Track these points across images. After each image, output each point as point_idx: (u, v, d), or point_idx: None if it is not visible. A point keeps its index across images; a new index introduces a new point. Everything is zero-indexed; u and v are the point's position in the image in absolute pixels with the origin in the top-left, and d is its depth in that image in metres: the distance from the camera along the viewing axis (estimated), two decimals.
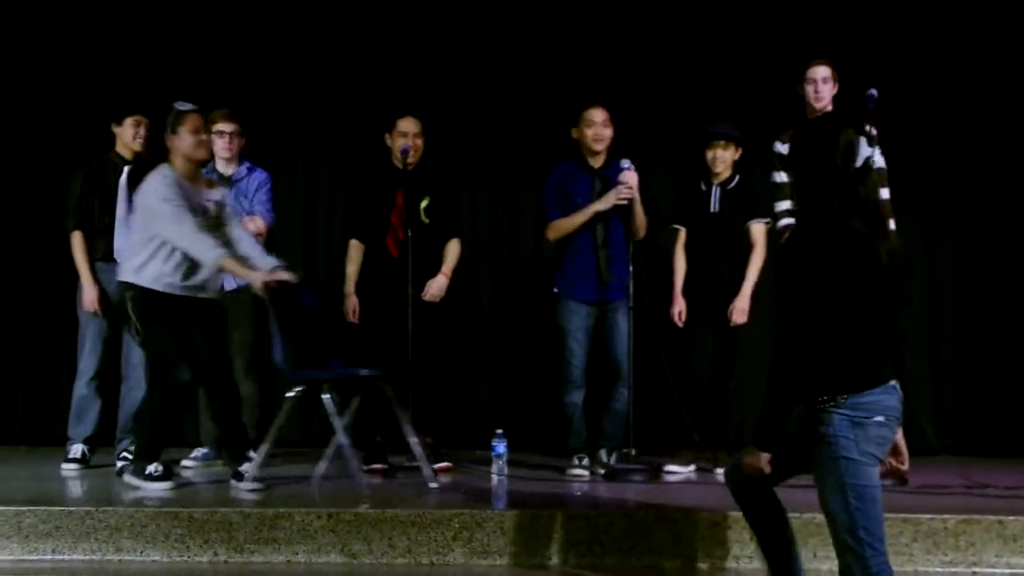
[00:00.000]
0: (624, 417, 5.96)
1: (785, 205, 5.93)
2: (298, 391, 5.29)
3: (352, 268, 6.21)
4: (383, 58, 7.77)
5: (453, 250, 6.19)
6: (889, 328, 3.37)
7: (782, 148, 5.88)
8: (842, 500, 3.30)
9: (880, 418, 3.27)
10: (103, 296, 6.21)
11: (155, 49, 7.77)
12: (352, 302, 6.16)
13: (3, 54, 7.82)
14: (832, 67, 5.80)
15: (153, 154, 6.18)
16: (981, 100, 7.39)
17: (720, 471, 5.78)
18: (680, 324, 6.03)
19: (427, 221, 6.10)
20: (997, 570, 4.26)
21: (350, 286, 6.19)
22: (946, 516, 4.38)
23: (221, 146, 6.24)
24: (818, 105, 5.75)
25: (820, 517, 4.27)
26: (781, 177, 5.94)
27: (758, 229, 6.02)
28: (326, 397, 5.18)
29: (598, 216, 5.95)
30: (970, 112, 7.40)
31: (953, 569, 4.27)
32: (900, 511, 4.50)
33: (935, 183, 7.30)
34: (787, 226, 5.91)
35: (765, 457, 3.40)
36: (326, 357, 5.63)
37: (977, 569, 4.27)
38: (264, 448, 5.31)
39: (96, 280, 6.22)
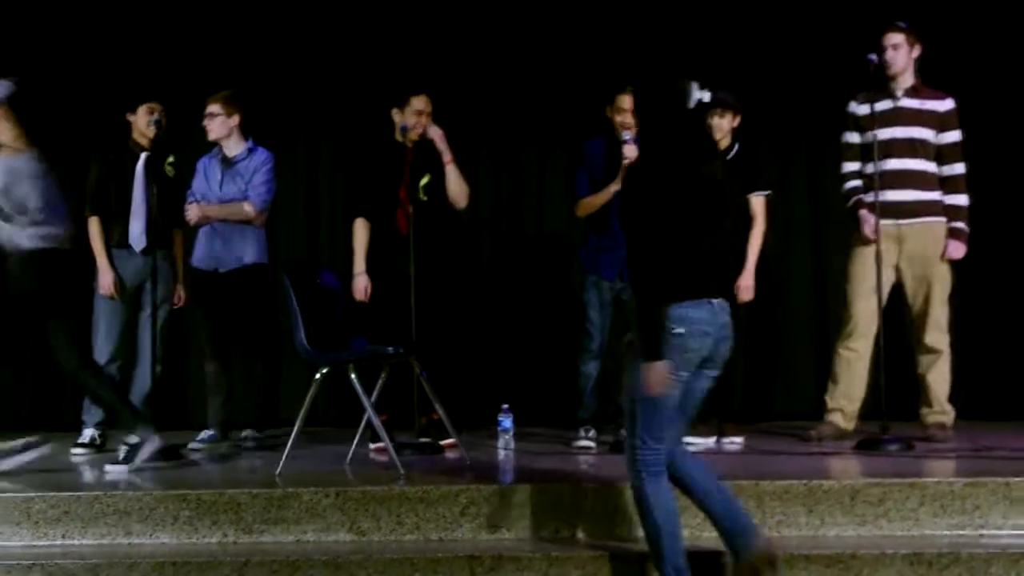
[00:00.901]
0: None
1: (853, 166, 5.90)
2: (324, 372, 5.25)
3: (360, 247, 6.13)
4: (386, 40, 7.75)
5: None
6: (711, 249, 3.72)
7: (857, 108, 5.85)
8: (628, 395, 3.73)
9: (681, 330, 3.63)
10: (119, 279, 6.21)
11: (164, 36, 7.78)
12: (363, 281, 6.10)
13: (21, 47, 7.81)
14: (906, 32, 5.76)
15: (168, 140, 6.21)
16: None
17: (726, 440, 5.79)
18: None
19: (425, 199, 6.04)
20: (1003, 531, 4.23)
21: (360, 265, 6.11)
22: (952, 479, 4.35)
23: (206, 126, 6.27)
24: (891, 71, 5.75)
25: (827, 483, 4.31)
26: (853, 137, 5.91)
27: (758, 202, 5.93)
28: (353, 377, 5.15)
29: None
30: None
31: (960, 532, 4.24)
32: (906, 475, 4.48)
33: None
34: (854, 188, 5.87)
35: (659, 366, 3.59)
36: (347, 336, 5.60)
37: (984, 531, 4.24)
38: (295, 431, 5.27)
39: (112, 266, 6.21)
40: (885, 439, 5.39)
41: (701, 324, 3.68)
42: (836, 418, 5.83)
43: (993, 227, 7.28)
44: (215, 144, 6.35)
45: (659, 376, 3.59)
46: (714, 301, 3.73)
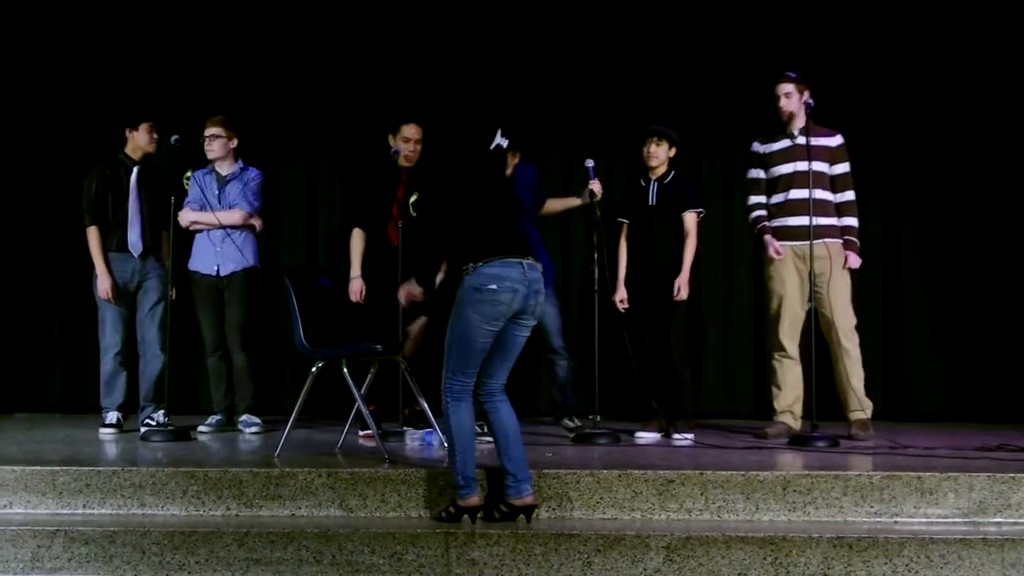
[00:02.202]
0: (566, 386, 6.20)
1: (758, 199, 6.00)
2: (320, 366, 5.27)
3: (356, 254, 6.18)
4: (383, 63, 7.75)
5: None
6: (510, 221, 4.25)
7: (759, 148, 5.96)
8: (448, 335, 4.15)
9: (493, 286, 4.05)
10: (115, 284, 6.22)
11: (164, 56, 7.77)
12: (358, 284, 6.14)
13: (22, 69, 7.80)
14: (795, 81, 5.87)
15: (161, 156, 6.24)
16: (950, 98, 7.50)
17: (677, 436, 5.83)
18: (622, 310, 6.06)
19: (414, 214, 6.08)
20: (915, 519, 4.28)
21: (356, 270, 6.16)
22: (872, 473, 4.40)
23: (206, 148, 6.29)
24: (785, 112, 5.89)
25: (763, 475, 4.36)
26: (757, 173, 6.01)
27: (690, 218, 6.07)
28: (345, 371, 5.17)
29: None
30: (941, 108, 7.49)
31: (878, 519, 4.28)
32: (832, 469, 4.53)
33: (913, 172, 7.39)
34: (758, 217, 5.98)
35: (418, 288, 4.37)
36: (340, 335, 5.62)
37: (898, 519, 4.29)
38: (292, 417, 5.30)
39: (109, 270, 6.21)
40: (814, 436, 5.45)
41: (507, 281, 4.06)
42: (787, 419, 5.90)
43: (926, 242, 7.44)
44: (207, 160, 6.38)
45: (413, 293, 4.40)
46: (524, 262, 4.12)
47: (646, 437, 5.85)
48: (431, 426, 5.66)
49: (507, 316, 4.12)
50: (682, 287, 5.97)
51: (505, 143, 4.34)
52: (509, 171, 4.42)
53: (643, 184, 6.12)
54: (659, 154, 6.05)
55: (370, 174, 6.34)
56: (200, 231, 6.30)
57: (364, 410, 5.29)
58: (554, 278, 6.01)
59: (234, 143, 6.33)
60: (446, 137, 4.85)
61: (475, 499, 4.19)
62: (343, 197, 7.65)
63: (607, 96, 7.61)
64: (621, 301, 6.08)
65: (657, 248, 6.02)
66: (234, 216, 6.26)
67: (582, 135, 7.60)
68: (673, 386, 6.05)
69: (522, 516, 4.21)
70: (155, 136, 6.28)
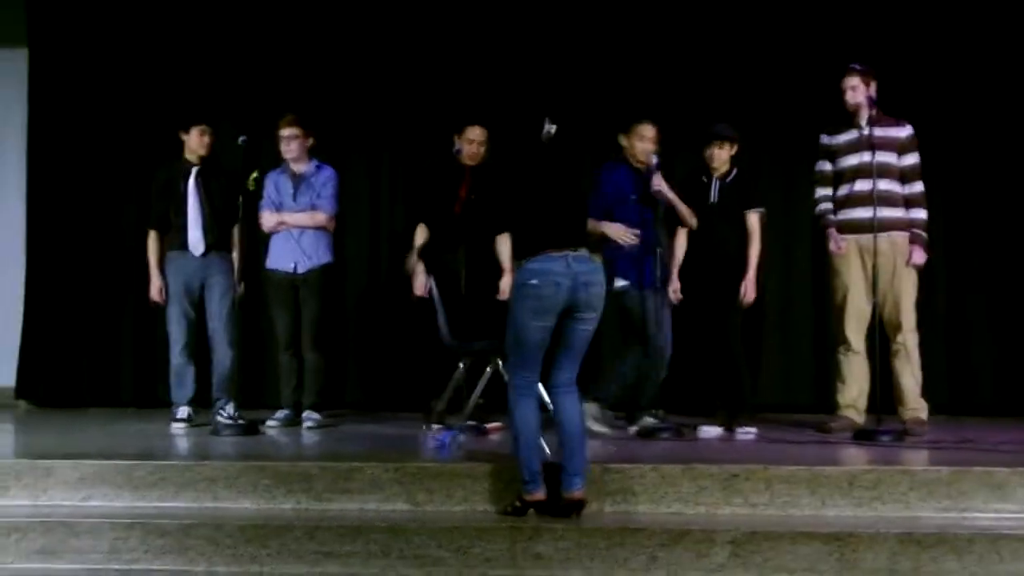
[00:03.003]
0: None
1: (825, 191, 5.91)
2: (467, 363, 5.59)
3: (419, 249, 6.23)
4: (445, 62, 7.77)
5: (504, 246, 6.04)
6: (553, 215, 4.18)
7: (827, 140, 5.88)
8: (507, 332, 4.18)
9: (535, 281, 4.05)
10: (172, 283, 6.33)
11: (229, 57, 7.86)
12: (422, 279, 6.16)
13: (87, 81, 7.95)
14: (860, 74, 5.77)
15: (230, 157, 6.31)
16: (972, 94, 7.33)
17: (740, 431, 5.77)
18: (675, 301, 6.00)
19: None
20: (984, 515, 4.20)
21: (420, 265, 6.20)
22: (939, 468, 4.33)
23: (283, 148, 6.33)
24: (851, 105, 5.80)
25: (828, 469, 4.30)
26: (825, 166, 5.94)
27: (753, 218, 5.93)
28: (501, 365, 5.29)
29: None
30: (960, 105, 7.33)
31: (946, 514, 4.21)
32: (898, 463, 4.47)
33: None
34: (824, 210, 5.90)
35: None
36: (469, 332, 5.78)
37: (967, 514, 4.21)
38: (467, 409, 5.58)
39: (163, 272, 6.36)
40: (879, 431, 5.36)
41: (550, 275, 4.05)
42: (851, 413, 5.82)
43: (976, 233, 7.31)
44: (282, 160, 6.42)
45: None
46: (570, 254, 4.08)
47: (709, 432, 5.80)
48: (492, 420, 5.67)
49: (555, 311, 4.09)
50: (748, 290, 5.87)
51: (553, 129, 4.29)
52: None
53: (704, 181, 6.04)
54: (722, 156, 5.96)
55: (434, 172, 6.37)
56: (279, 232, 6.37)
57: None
58: (654, 276, 5.79)
59: (310, 142, 6.38)
60: (508, 136, 4.83)
61: (540, 494, 4.18)
62: (406, 195, 7.67)
63: (670, 92, 7.53)
64: (675, 291, 6.00)
65: (718, 246, 5.93)
66: (317, 218, 6.31)
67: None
68: (733, 381, 5.98)
69: (575, 512, 4.17)
70: (208, 139, 6.32)
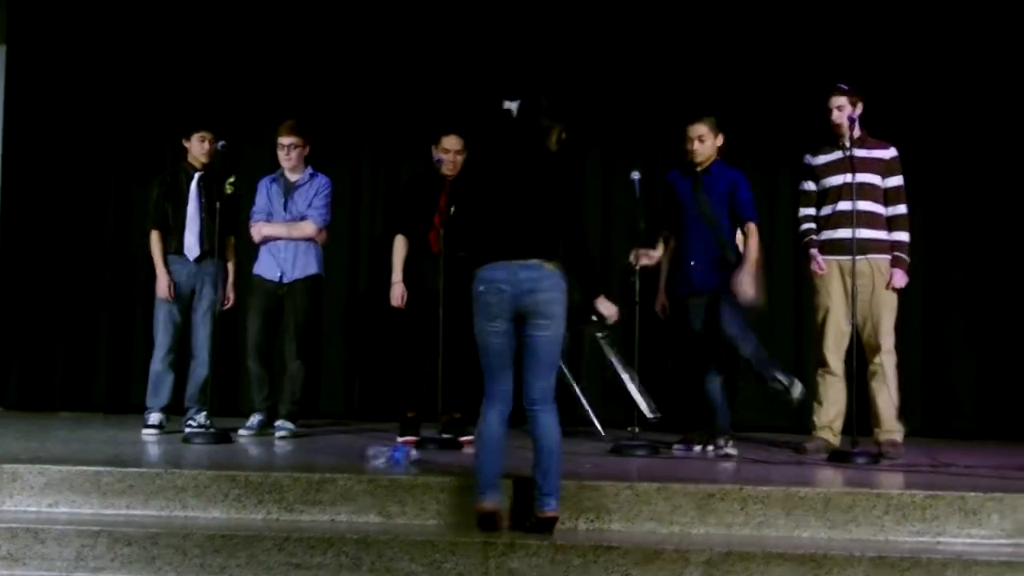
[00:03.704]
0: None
1: (809, 211, 5.93)
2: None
3: (399, 260, 6.20)
4: (426, 70, 7.77)
5: None
6: (502, 225, 4.14)
7: (811, 160, 5.89)
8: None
9: (482, 287, 4.12)
10: (172, 283, 6.27)
11: (216, 65, 7.84)
12: (399, 289, 6.15)
13: (65, 79, 7.91)
14: (848, 94, 5.79)
15: (218, 163, 6.28)
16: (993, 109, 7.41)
17: (710, 448, 5.75)
18: (662, 318, 5.99)
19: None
20: (958, 539, 4.20)
21: (398, 275, 6.18)
22: (914, 491, 4.33)
23: (282, 156, 6.28)
24: (837, 125, 5.78)
25: (803, 491, 4.30)
26: (809, 185, 5.94)
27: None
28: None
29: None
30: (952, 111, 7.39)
31: (920, 539, 4.21)
32: (873, 487, 4.47)
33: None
34: (807, 230, 5.91)
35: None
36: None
37: (941, 539, 4.21)
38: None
39: (168, 271, 6.25)
40: (855, 452, 5.37)
41: (495, 283, 4.08)
42: (826, 434, 5.82)
43: (953, 256, 7.34)
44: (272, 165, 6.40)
45: None
46: (517, 263, 4.08)
47: (682, 450, 5.79)
48: (467, 434, 5.64)
49: (502, 316, 4.10)
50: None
51: (514, 106, 4.21)
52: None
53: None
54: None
55: (413, 183, 6.37)
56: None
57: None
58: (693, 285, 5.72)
59: (307, 150, 6.36)
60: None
61: (486, 504, 4.13)
62: (386, 204, 7.66)
63: (651, 109, 7.56)
64: (663, 309, 6.00)
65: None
66: (305, 230, 6.28)
67: (624, 146, 7.56)
68: (711, 399, 5.97)
69: (546, 530, 4.13)
70: (208, 146, 6.31)
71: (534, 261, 4.10)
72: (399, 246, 6.21)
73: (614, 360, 5.37)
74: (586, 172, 7.70)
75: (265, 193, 6.35)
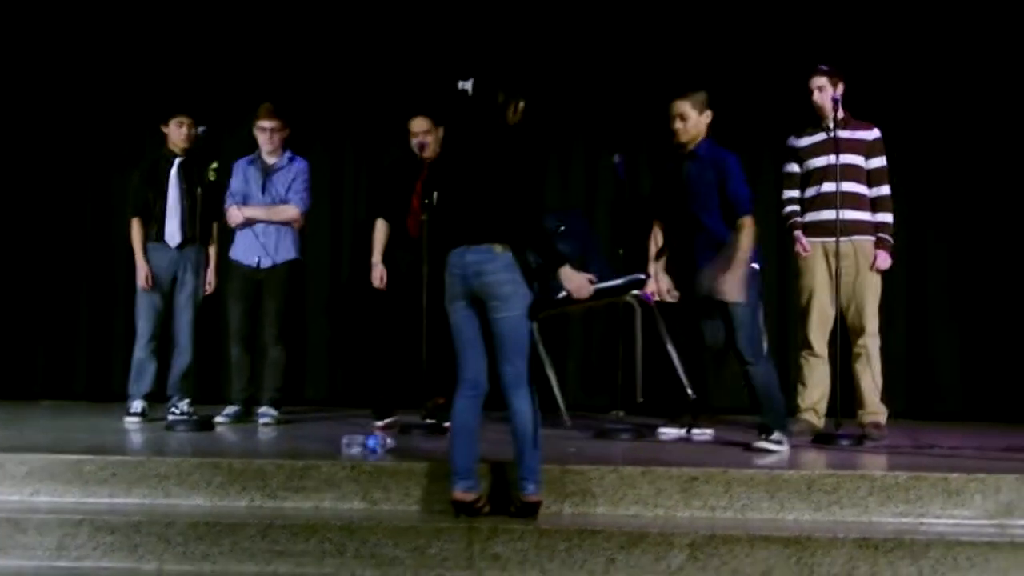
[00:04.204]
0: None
1: (792, 193, 5.93)
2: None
3: (379, 242, 6.27)
4: (410, 54, 7.72)
5: None
6: (457, 210, 4.18)
7: (794, 141, 5.89)
8: None
9: (447, 271, 4.17)
10: (151, 273, 6.24)
11: (195, 50, 7.79)
12: (379, 270, 6.19)
13: (70, 73, 7.85)
14: (827, 74, 5.78)
15: (198, 148, 6.24)
16: (982, 94, 7.40)
17: (696, 431, 5.77)
18: (670, 299, 5.86)
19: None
20: (941, 520, 4.23)
21: (377, 256, 6.24)
22: (897, 473, 4.35)
23: (263, 140, 6.24)
24: (819, 106, 5.77)
25: (787, 473, 4.32)
26: (792, 167, 5.94)
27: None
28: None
29: None
30: (959, 111, 7.40)
31: (903, 520, 4.23)
32: (857, 468, 4.50)
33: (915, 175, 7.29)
34: (791, 212, 5.91)
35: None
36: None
37: (924, 520, 4.24)
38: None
39: (147, 259, 6.23)
40: (839, 435, 5.40)
41: (451, 266, 4.15)
42: (810, 416, 5.83)
43: (941, 241, 7.36)
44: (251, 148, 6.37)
45: None
46: (467, 247, 4.10)
47: (669, 433, 5.80)
48: None
49: (459, 299, 4.13)
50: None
51: (469, 85, 4.20)
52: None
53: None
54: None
55: (393, 168, 6.38)
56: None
57: None
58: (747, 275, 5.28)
59: (286, 132, 6.33)
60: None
61: (458, 493, 4.12)
62: (368, 190, 7.63)
63: (634, 92, 7.54)
64: (669, 291, 5.70)
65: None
66: (287, 213, 6.27)
67: (607, 130, 7.54)
68: (696, 381, 5.98)
69: (529, 515, 4.13)
70: (187, 131, 6.26)
71: (483, 245, 4.09)
72: (380, 229, 6.26)
73: (542, 352, 5.26)
74: (571, 156, 7.70)
75: (242, 175, 6.31)
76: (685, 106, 5.37)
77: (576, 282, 4.26)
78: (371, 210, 6.52)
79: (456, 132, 4.32)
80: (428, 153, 6.10)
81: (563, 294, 4.45)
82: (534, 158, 4.21)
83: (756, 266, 5.31)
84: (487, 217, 4.11)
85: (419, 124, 6.15)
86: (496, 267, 4.07)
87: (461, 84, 4.19)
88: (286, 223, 6.27)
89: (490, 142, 4.19)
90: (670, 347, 5.30)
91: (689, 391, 5.68)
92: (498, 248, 4.08)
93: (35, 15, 7.91)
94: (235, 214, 6.23)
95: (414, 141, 6.13)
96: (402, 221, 6.15)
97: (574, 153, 7.71)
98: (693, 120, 5.36)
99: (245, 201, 6.26)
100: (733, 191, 5.25)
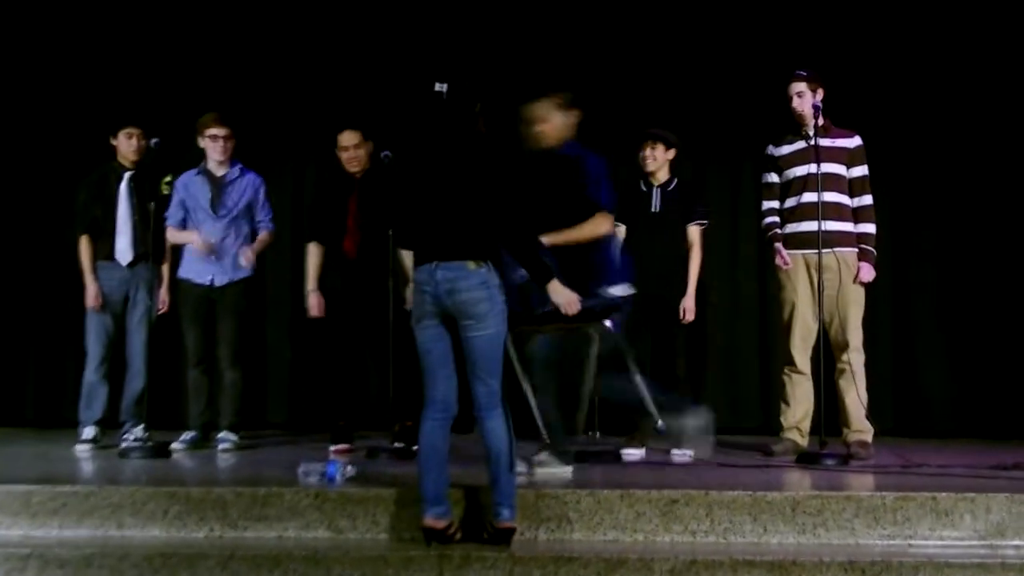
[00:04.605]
0: None
1: (772, 204, 5.96)
2: None
3: (313, 267, 6.21)
4: (373, 72, 7.73)
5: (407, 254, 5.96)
6: (424, 225, 4.13)
7: (773, 150, 5.93)
8: None
9: (413, 289, 4.15)
10: (101, 292, 6.20)
11: (152, 62, 7.76)
12: (315, 298, 6.15)
13: (11, 83, 7.79)
14: (807, 80, 5.83)
15: (150, 161, 6.20)
16: (965, 100, 7.50)
17: (676, 452, 5.79)
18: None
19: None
20: (930, 542, 4.24)
21: (312, 284, 6.19)
22: (884, 493, 4.36)
23: (214, 149, 6.17)
24: (798, 112, 5.84)
25: (771, 495, 4.32)
26: (772, 177, 5.98)
27: (694, 231, 6.03)
28: None
29: None
30: (955, 111, 7.49)
31: (891, 542, 4.24)
32: (842, 489, 4.50)
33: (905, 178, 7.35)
34: (771, 223, 5.95)
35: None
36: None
37: (912, 542, 4.25)
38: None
39: (97, 278, 6.18)
40: (823, 454, 5.42)
41: (419, 284, 4.10)
42: (794, 435, 5.86)
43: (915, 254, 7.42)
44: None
45: None
46: (437, 264, 4.05)
47: (632, 454, 5.81)
48: None
49: (428, 317, 4.09)
50: (688, 310, 5.95)
51: (445, 87, 4.17)
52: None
53: (644, 189, 6.08)
54: (656, 156, 6.02)
55: (321, 187, 6.35)
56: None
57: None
58: None
59: (233, 142, 6.28)
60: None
61: (429, 520, 4.09)
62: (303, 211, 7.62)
63: (611, 102, 7.58)
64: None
65: (660, 258, 5.96)
66: (268, 242, 6.35)
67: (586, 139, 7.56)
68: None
69: (502, 542, 4.10)
70: (137, 143, 6.23)
71: (455, 262, 4.06)
72: (312, 254, 6.21)
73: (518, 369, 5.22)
74: None
75: (184, 189, 6.20)
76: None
77: (565, 296, 4.34)
78: (306, 234, 6.42)
79: (426, 138, 4.23)
80: (356, 168, 6.08)
81: (547, 308, 4.45)
82: (513, 167, 4.19)
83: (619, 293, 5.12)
84: (461, 232, 4.09)
85: (347, 137, 6.12)
86: (470, 284, 4.04)
87: (437, 86, 4.16)
88: (237, 236, 6.23)
89: (466, 151, 4.16)
90: (637, 378, 5.30)
91: (659, 423, 5.64)
92: (471, 264, 4.06)
93: None
94: (201, 244, 6.11)
95: (343, 156, 6.11)
96: (337, 242, 6.10)
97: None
98: (553, 123, 5.17)
99: (183, 223, 6.19)
100: (592, 194, 5.08)
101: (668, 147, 6.04)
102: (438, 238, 4.11)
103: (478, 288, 4.05)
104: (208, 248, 6.09)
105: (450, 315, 4.09)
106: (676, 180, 6.09)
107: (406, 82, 7.50)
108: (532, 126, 5.13)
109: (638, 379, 5.07)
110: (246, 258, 6.15)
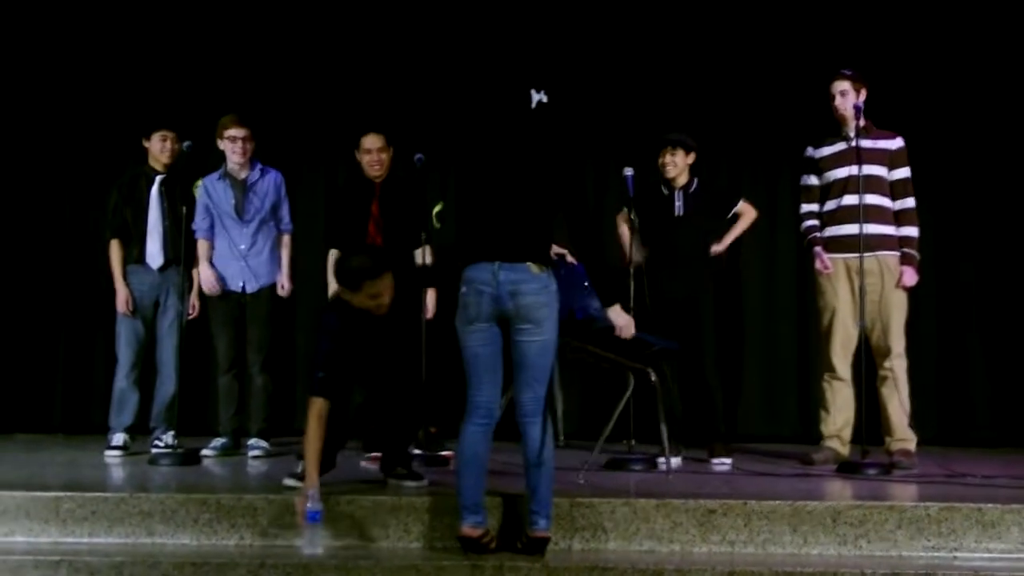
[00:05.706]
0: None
1: (811, 207, 5.95)
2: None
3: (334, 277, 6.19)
4: (405, 73, 7.76)
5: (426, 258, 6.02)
6: (489, 222, 4.12)
7: (812, 152, 5.91)
8: None
9: (464, 288, 4.10)
10: (132, 297, 6.25)
11: (184, 65, 7.82)
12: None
13: (45, 85, 7.87)
14: (851, 79, 5.81)
15: (182, 165, 6.24)
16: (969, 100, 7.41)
17: (715, 461, 5.78)
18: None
19: (438, 225, 6.07)
20: (976, 555, 4.21)
21: (333, 291, 6.16)
22: (928, 504, 4.34)
23: (233, 151, 6.20)
24: (840, 112, 5.83)
25: (811, 504, 4.30)
26: (811, 180, 5.96)
27: (743, 205, 6.18)
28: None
29: None
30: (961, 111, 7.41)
31: (935, 554, 4.22)
32: (885, 499, 4.48)
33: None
34: (810, 227, 5.93)
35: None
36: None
37: (958, 554, 4.22)
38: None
39: (127, 283, 6.23)
40: (865, 463, 5.39)
41: (476, 284, 4.06)
42: (834, 444, 5.83)
43: (966, 262, 7.36)
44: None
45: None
46: (500, 264, 4.04)
47: (723, 463, 5.80)
48: (444, 449, 5.62)
49: (482, 320, 4.07)
50: (716, 252, 6.10)
51: (544, 97, 4.21)
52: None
53: (665, 193, 6.08)
54: (676, 162, 6.04)
55: (343, 193, 6.36)
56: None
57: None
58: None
59: (253, 144, 6.30)
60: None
61: (467, 528, 4.11)
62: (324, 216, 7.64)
63: (645, 106, 7.57)
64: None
65: (684, 261, 5.97)
66: (288, 249, 6.38)
67: (619, 145, 7.56)
68: (707, 409, 6.00)
69: (537, 552, 4.12)
70: (171, 146, 6.28)
71: (519, 263, 4.06)
72: (333, 262, 6.18)
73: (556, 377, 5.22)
74: (581, 170, 7.72)
75: (209, 193, 6.23)
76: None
77: (624, 320, 4.39)
78: (325, 242, 6.42)
79: (496, 139, 4.23)
80: (378, 172, 6.09)
81: (606, 324, 4.47)
82: (576, 169, 4.27)
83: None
84: (526, 234, 4.10)
85: (372, 141, 6.12)
86: (534, 288, 4.06)
87: (535, 95, 4.19)
88: (266, 239, 6.29)
89: (537, 153, 4.18)
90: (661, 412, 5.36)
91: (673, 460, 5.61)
92: (534, 268, 4.07)
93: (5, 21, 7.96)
94: (208, 282, 6.23)
95: (366, 159, 6.11)
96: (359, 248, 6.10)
97: (584, 167, 7.72)
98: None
99: (211, 231, 6.24)
100: None
101: (688, 152, 6.05)
102: (502, 238, 4.10)
103: (541, 292, 4.07)
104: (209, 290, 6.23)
105: (505, 318, 4.08)
106: (696, 181, 6.09)
107: (441, 87, 7.56)
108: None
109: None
110: (287, 292, 6.32)
